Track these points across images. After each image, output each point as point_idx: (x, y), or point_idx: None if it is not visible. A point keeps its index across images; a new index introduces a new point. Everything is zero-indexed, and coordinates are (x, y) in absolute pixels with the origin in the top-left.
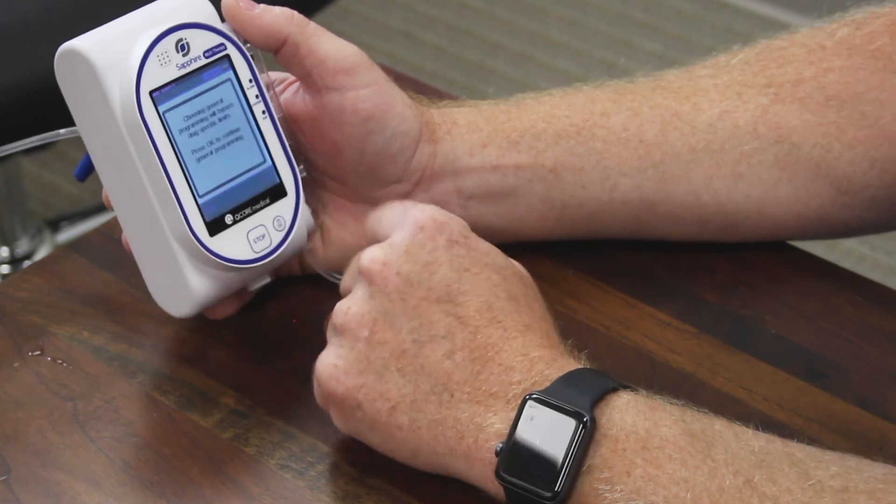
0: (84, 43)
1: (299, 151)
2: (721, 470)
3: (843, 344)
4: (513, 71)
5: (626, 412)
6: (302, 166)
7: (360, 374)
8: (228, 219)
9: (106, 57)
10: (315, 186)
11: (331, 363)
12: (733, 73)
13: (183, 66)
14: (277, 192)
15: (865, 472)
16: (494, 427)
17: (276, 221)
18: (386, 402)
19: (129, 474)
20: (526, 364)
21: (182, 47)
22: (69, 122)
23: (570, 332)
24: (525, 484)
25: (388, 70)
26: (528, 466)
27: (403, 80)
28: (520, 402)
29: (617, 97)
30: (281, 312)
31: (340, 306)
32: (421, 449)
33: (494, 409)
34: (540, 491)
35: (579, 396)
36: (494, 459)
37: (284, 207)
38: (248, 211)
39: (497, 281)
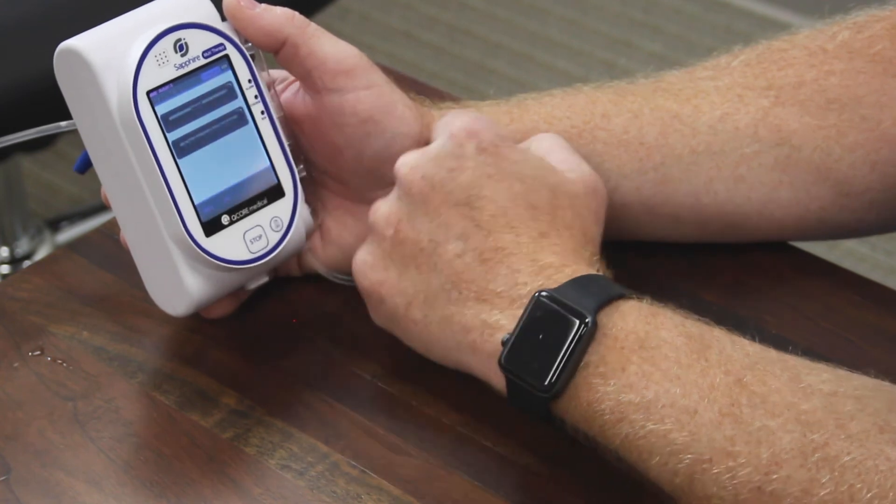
0: (82, 42)
1: (299, 151)
2: (713, 370)
3: (843, 344)
4: (513, 71)
5: (628, 315)
6: (301, 166)
7: (384, 269)
8: (225, 219)
9: (104, 56)
10: (315, 186)
11: (361, 259)
12: (734, 75)
13: (181, 66)
14: (275, 193)
15: (856, 381)
16: (500, 323)
17: (273, 222)
18: (403, 297)
19: (129, 474)
20: (534, 269)
21: (180, 47)
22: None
23: None
24: (523, 374)
25: (388, 70)
26: (529, 360)
27: (403, 81)
28: (526, 301)
29: (617, 99)
30: (281, 312)
31: (374, 206)
32: (433, 343)
33: (500, 307)
34: (535, 383)
35: (585, 299)
36: (498, 350)
37: (282, 208)
38: (244, 211)
39: (519, 189)
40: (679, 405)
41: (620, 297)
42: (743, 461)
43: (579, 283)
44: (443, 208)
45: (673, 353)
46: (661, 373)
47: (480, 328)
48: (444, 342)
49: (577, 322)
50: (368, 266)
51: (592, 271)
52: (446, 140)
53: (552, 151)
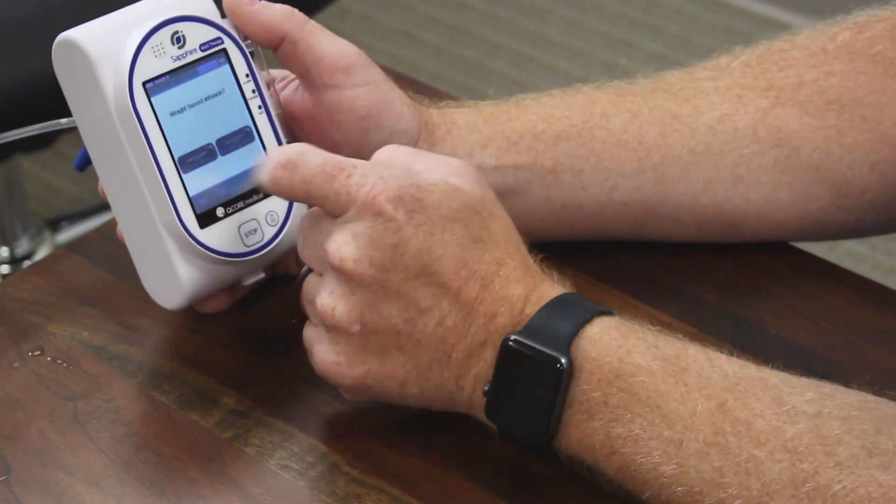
0: (80, 33)
1: None
2: (693, 394)
3: (843, 344)
4: (513, 71)
5: (599, 342)
6: None
7: (363, 363)
8: (220, 211)
9: (101, 47)
10: None
11: (332, 361)
12: (734, 75)
13: (178, 58)
14: None
15: (839, 399)
16: (486, 373)
17: (268, 216)
18: (394, 380)
19: (129, 474)
20: (507, 307)
21: (178, 40)
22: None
23: None
24: (511, 425)
25: (387, 70)
26: (514, 409)
27: (403, 80)
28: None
29: (617, 98)
30: (281, 312)
31: (325, 308)
32: (433, 404)
33: (485, 357)
34: (525, 432)
35: (555, 336)
36: (484, 400)
37: (278, 202)
38: (240, 205)
39: (459, 230)
40: (664, 437)
41: (587, 320)
42: (734, 492)
43: (547, 313)
44: (404, 286)
45: (650, 379)
46: (642, 403)
47: (472, 384)
48: (443, 401)
49: (552, 365)
50: (345, 366)
51: (548, 286)
52: (371, 218)
53: (416, 156)
